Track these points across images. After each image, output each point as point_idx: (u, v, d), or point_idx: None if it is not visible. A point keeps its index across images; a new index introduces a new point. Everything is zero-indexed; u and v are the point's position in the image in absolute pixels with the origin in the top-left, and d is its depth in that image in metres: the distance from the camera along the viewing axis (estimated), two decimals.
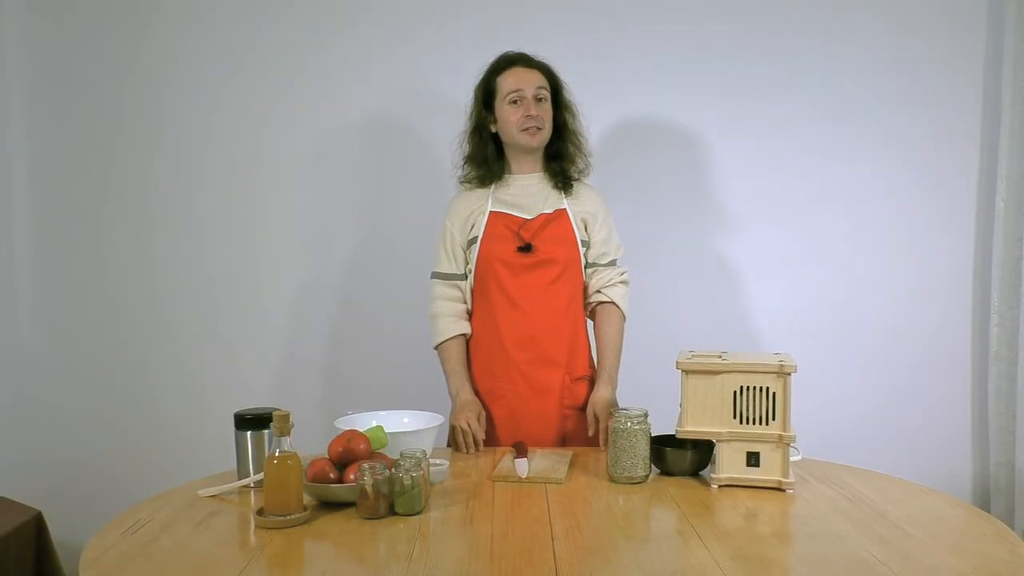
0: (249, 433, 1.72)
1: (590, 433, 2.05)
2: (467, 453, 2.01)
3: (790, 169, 2.79)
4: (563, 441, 2.11)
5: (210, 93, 2.80)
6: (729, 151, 2.79)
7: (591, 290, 2.17)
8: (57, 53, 2.79)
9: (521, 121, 2.06)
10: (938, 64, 2.75)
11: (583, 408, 2.11)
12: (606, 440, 1.89)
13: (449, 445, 2.12)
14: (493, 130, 2.13)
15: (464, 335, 2.16)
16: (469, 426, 2.01)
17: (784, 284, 2.81)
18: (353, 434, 1.66)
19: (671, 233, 2.80)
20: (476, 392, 2.12)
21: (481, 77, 2.14)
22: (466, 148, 2.17)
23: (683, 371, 1.73)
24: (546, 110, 2.09)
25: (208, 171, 2.83)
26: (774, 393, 1.67)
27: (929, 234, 2.79)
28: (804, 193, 2.80)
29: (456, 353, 2.14)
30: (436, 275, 2.19)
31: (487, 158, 2.13)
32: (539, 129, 2.08)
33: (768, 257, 2.81)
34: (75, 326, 2.85)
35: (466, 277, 2.16)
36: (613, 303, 2.15)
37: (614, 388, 2.11)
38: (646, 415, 1.77)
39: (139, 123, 2.81)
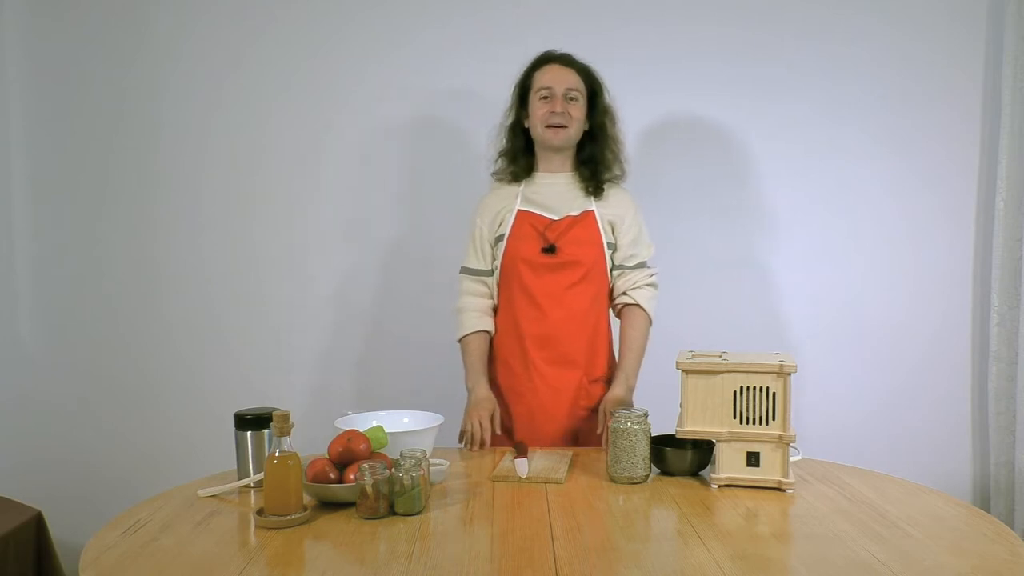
0: (249, 433, 1.73)
1: (598, 431, 2.05)
2: (474, 451, 2.01)
3: (790, 169, 2.79)
4: (577, 440, 2.11)
5: (210, 93, 2.80)
6: (729, 151, 2.79)
7: (617, 292, 2.16)
8: (57, 53, 2.79)
9: (545, 116, 2.06)
10: (938, 64, 2.75)
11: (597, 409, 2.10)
12: (607, 439, 1.89)
13: (461, 440, 2.11)
14: (526, 125, 2.14)
15: (487, 331, 2.16)
16: (481, 425, 2.01)
17: (784, 284, 2.81)
18: (353, 434, 1.66)
19: (670, 233, 2.78)
20: (494, 387, 2.12)
21: (522, 74, 2.15)
22: (501, 142, 2.18)
23: (683, 371, 1.73)
24: (576, 109, 2.08)
25: (208, 171, 2.83)
26: (774, 393, 1.67)
27: (929, 234, 2.79)
28: (804, 193, 2.79)
29: (476, 348, 2.13)
30: (464, 270, 2.20)
31: (516, 153, 2.15)
32: (563, 127, 2.07)
33: (768, 257, 2.81)
34: (75, 326, 2.85)
35: (493, 273, 2.16)
36: (638, 305, 2.14)
37: (629, 389, 2.10)
38: (646, 415, 1.77)
39: (139, 122, 2.81)
